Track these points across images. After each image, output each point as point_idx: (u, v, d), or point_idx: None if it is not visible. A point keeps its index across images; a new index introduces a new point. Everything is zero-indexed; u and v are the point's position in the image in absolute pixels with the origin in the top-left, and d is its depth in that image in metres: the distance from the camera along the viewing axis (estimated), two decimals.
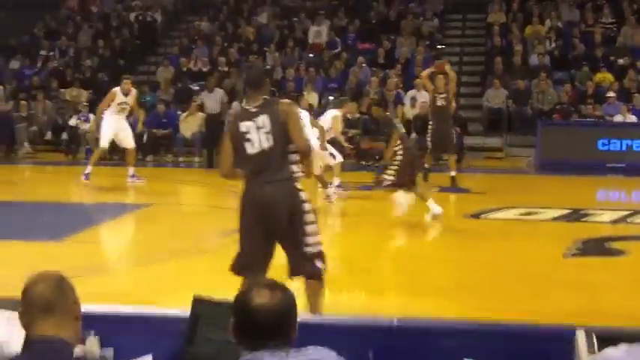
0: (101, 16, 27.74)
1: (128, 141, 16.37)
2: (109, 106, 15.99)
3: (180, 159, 20.60)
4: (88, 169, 16.04)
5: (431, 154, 15.93)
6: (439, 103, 15.63)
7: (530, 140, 20.25)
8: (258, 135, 6.04)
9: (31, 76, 24.36)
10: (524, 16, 24.83)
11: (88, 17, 27.81)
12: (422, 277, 9.06)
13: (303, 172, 6.24)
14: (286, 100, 6.59)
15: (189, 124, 20.76)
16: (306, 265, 6.15)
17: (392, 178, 11.84)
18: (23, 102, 22.45)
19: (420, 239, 11.69)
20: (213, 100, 20.07)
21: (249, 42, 24.98)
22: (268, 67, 23.48)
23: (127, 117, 16.42)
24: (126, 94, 16.04)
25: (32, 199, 14.65)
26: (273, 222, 6.05)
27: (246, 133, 6.07)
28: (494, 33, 24.06)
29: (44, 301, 3.19)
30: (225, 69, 23.09)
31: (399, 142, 11.92)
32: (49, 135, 22.62)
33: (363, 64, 22.85)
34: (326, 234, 8.61)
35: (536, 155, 19.58)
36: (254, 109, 6.12)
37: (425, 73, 16.96)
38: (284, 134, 6.04)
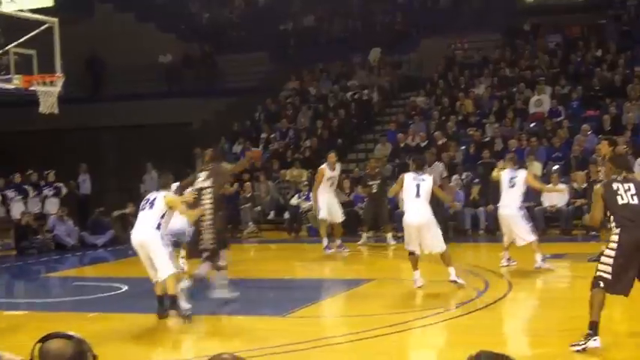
0: (319, 97, 28.21)
1: (337, 215, 17.80)
2: (320, 183, 17.59)
3: (400, 234, 20.20)
4: (325, 242, 17.55)
5: None
6: None
7: None
8: (625, 193, 8.64)
9: None
10: None
11: (306, 99, 28.36)
12: None
13: None
14: None
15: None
16: None
17: None
18: (247, 183, 22.99)
19: None
20: (432, 174, 19.63)
21: (467, 114, 24.54)
22: (487, 138, 22.93)
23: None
24: (333, 169, 17.66)
25: (258, 276, 14.70)
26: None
27: (617, 191, 8.67)
28: None
29: None
30: (444, 141, 22.73)
31: None
32: (272, 214, 23.05)
33: (589, 132, 21.80)
34: None
35: None
36: (619, 178, 8.77)
37: None
38: None
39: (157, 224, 11.05)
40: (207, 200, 11.67)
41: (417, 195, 12.60)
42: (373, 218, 19.33)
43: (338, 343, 9.62)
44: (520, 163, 15.10)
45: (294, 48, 30.84)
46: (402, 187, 12.75)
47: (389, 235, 18.88)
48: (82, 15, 30.31)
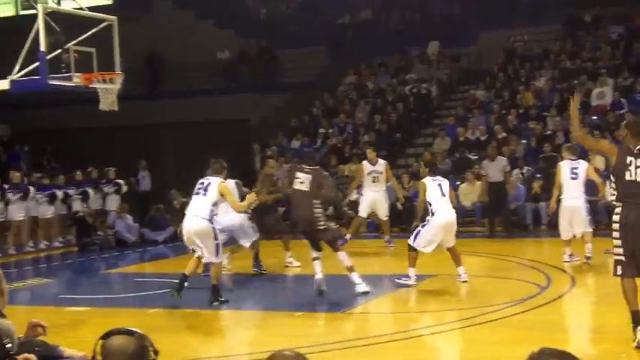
0: (377, 91, 28.06)
1: (382, 212, 17.75)
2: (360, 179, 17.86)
3: (461, 229, 19.96)
4: (347, 236, 17.40)
5: None
6: None
7: None
8: (635, 170, 8.09)
9: None
10: None
11: (364, 94, 28.23)
12: None
13: None
14: None
15: (469, 194, 20.25)
16: None
17: None
18: None
19: None
20: (495, 168, 19.33)
21: (528, 107, 24.21)
22: (549, 132, 22.60)
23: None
24: (373, 164, 17.52)
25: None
26: None
27: (628, 165, 8.14)
28: None
29: None
30: (504, 135, 22.44)
31: None
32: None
33: None
34: None
35: None
36: (636, 151, 8.14)
37: None
38: None
39: (210, 213, 11.53)
40: (318, 206, 12.19)
41: (443, 194, 12.72)
42: None
43: (397, 340, 9.53)
44: (582, 156, 14.80)
45: (351, 42, 30.67)
46: (425, 191, 12.74)
47: None
48: (141, 12, 30.57)
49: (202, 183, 11.87)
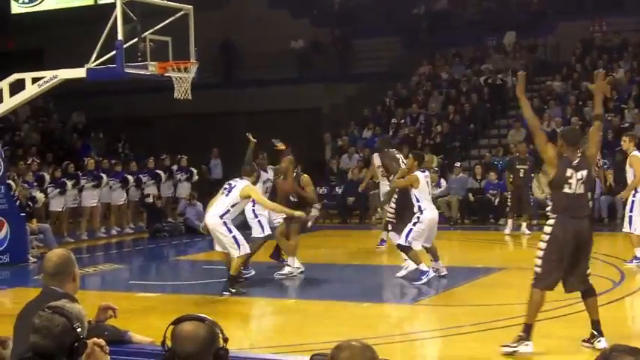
0: (451, 82, 27.78)
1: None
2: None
3: (535, 222, 19.69)
4: (383, 234, 16.01)
5: None
6: None
7: None
8: (576, 183, 8.01)
9: None
10: None
11: (437, 84, 27.99)
12: None
13: None
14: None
15: (544, 186, 19.95)
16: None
17: None
18: None
19: None
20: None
21: (606, 99, 23.65)
22: (626, 124, 22.14)
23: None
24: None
25: (386, 263, 14.66)
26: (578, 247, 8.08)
27: (569, 177, 8.01)
28: None
29: None
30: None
31: None
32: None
33: None
34: None
35: None
36: (575, 163, 8.06)
37: None
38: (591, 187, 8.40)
39: (224, 212, 11.82)
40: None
41: (429, 192, 12.74)
42: (518, 204, 18.83)
43: (466, 333, 9.45)
44: None
45: (426, 32, 30.43)
46: (418, 183, 12.45)
47: (524, 225, 18.40)
48: (216, 1, 30.72)
49: (230, 184, 12.27)
